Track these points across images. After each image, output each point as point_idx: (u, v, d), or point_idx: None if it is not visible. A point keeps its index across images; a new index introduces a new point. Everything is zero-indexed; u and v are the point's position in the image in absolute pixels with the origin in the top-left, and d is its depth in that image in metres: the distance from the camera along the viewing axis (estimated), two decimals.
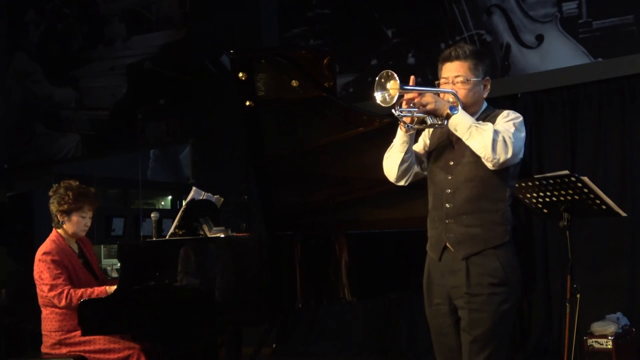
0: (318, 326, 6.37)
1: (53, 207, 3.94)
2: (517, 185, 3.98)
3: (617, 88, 5.24)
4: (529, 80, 5.59)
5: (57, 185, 4.00)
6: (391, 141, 2.97)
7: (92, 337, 3.67)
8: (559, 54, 5.46)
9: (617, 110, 5.23)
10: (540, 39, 5.56)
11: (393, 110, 2.71)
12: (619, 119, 5.22)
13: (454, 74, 2.87)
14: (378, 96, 2.66)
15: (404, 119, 2.77)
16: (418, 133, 3.02)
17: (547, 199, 3.97)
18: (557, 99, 5.48)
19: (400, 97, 2.67)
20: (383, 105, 2.66)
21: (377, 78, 2.66)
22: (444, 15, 5.97)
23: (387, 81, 2.65)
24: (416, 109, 2.73)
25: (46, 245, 3.86)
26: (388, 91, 2.64)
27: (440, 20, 5.97)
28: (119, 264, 4.48)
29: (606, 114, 5.27)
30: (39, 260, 3.79)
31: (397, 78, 2.61)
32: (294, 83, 3.95)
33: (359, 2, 6.46)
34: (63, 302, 3.70)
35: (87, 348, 3.69)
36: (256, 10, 6.98)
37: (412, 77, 2.75)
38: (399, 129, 2.88)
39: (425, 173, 3.01)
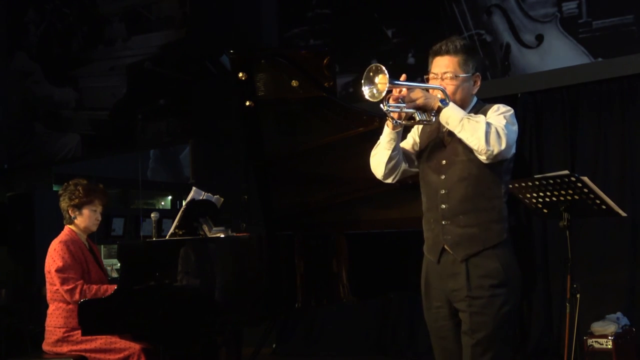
0: (318, 326, 6.37)
1: (64, 203, 3.97)
2: (517, 185, 3.98)
3: (617, 88, 5.24)
4: (529, 80, 5.59)
5: (66, 183, 4.05)
6: None
7: (93, 337, 3.67)
8: (559, 54, 5.46)
9: (617, 110, 5.23)
10: (540, 39, 5.57)
11: (381, 105, 2.65)
12: (619, 119, 5.22)
13: (443, 69, 2.81)
14: (366, 90, 2.61)
15: (392, 114, 2.71)
16: (407, 130, 2.95)
17: (547, 199, 3.97)
18: (557, 99, 5.47)
19: (389, 92, 2.61)
20: (371, 100, 2.61)
21: (365, 72, 2.61)
22: (444, 15, 5.97)
23: (375, 75, 2.60)
24: (405, 105, 2.68)
25: (61, 237, 3.90)
26: (376, 85, 2.59)
27: (440, 20, 5.97)
28: (119, 264, 4.48)
29: (606, 114, 5.27)
30: (54, 249, 3.82)
31: (386, 72, 2.56)
32: (294, 83, 3.94)
33: (359, 2, 6.47)
34: (77, 297, 3.71)
35: (87, 347, 3.70)
36: (256, 10, 6.98)
37: (403, 75, 2.68)
38: (385, 125, 2.82)
39: (414, 170, 2.95)
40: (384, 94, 2.57)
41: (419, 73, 2.95)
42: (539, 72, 5.54)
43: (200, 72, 7.25)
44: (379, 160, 2.90)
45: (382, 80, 2.59)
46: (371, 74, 2.61)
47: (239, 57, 3.95)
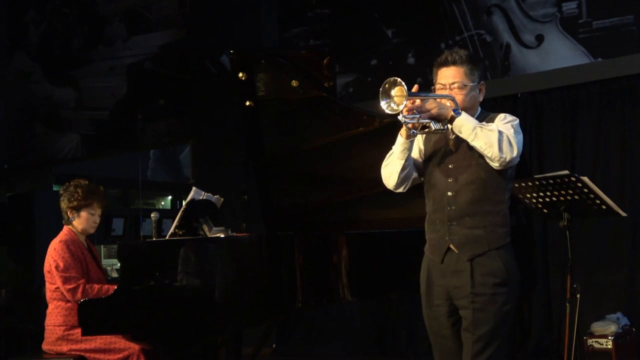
0: (318, 326, 6.37)
1: (63, 204, 4.00)
2: (517, 185, 3.98)
3: (617, 88, 5.24)
4: (529, 80, 5.59)
5: (67, 183, 4.06)
6: (391, 141, 2.95)
7: (93, 337, 3.67)
8: (559, 54, 5.46)
9: (617, 110, 5.23)
10: (540, 39, 5.57)
11: (400, 117, 2.71)
12: (619, 119, 5.23)
13: (451, 80, 2.88)
14: (383, 104, 2.65)
15: (409, 125, 2.76)
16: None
17: (547, 199, 3.97)
18: (557, 99, 5.48)
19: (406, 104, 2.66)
20: (390, 112, 2.65)
21: (382, 86, 2.65)
22: (444, 15, 5.97)
23: (391, 88, 2.64)
24: (420, 115, 2.74)
25: (61, 236, 3.91)
26: (393, 99, 2.64)
27: (440, 20, 5.97)
28: (119, 264, 4.48)
29: (606, 114, 5.27)
30: (54, 249, 3.83)
31: (403, 84, 2.60)
32: (294, 83, 3.95)
33: (359, 2, 6.46)
34: (79, 296, 3.71)
35: (87, 347, 3.71)
36: (256, 10, 6.98)
37: (415, 86, 2.72)
38: (399, 136, 2.87)
39: (422, 179, 3.01)
40: (402, 106, 2.62)
41: (419, 73, 2.96)
42: (539, 72, 5.54)
43: (200, 72, 7.25)
44: (392, 170, 2.96)
45: (398, 92, 2.63)
46: (387, 85, 2.65)
47: (239, 57, 3.95)
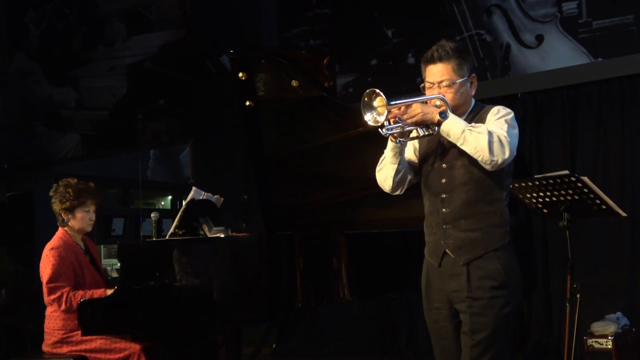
0: (318, 326, 6.37)
1: (56, 206, 3.95)
2: (517, 185, 3.98)
3: (617, 88, 5.24)
4: (529, 80, 5.59)
5: (56, 184, 4.01)
6: None
7: (92, 337, 3.66)
8: (559, 54, 5.46)
9: (617, 110, 5.24)
10: (540, 39, 5.57)
11: (380, 130, 2.64)
12: (619, 119, 5.23)
13: (439, 78, 2.78)
14: (367, 117, 2.60)
15: (394, 135, 2.70)
16: None
17: (547, 199, 3.97)
18: (557, 99, 5.48)
19: (389, 113, 2.60)
20: (374, 125, 2.60)
21: (362, 100, 2.59)
22: (444, 15, 5.97)
23: (372, 99, 2.59)
24: (405, 122, 2.67)
25: (53, 242, 3.86)
26: (376, 109, 2.58)
27: (440, 21, 5.97)
28: (119, 264, 4.48)
29: (606, 114, 5.27)
30: (46, 256, 3.80)
31: (381, 94, 2.55)
32: (294, 83, 3.95)
33: (359, 2, 6.47)
34: (63, 307, 3.70)
35: (87, 347, 3.70)
36: (256, 10, 6.98)
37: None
38: (389, 140, 2.79)
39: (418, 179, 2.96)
40: (384, 116, 2.57)
41: (419, 73, 2.93)
42: (539, 72, 5.54)
43: (200, 72, 7.25)
44: (386, 174, 2.89)
45: (380, 103, 2.58)
46: (366, 99, 2.60)
47: (239, 57, 3.96)
